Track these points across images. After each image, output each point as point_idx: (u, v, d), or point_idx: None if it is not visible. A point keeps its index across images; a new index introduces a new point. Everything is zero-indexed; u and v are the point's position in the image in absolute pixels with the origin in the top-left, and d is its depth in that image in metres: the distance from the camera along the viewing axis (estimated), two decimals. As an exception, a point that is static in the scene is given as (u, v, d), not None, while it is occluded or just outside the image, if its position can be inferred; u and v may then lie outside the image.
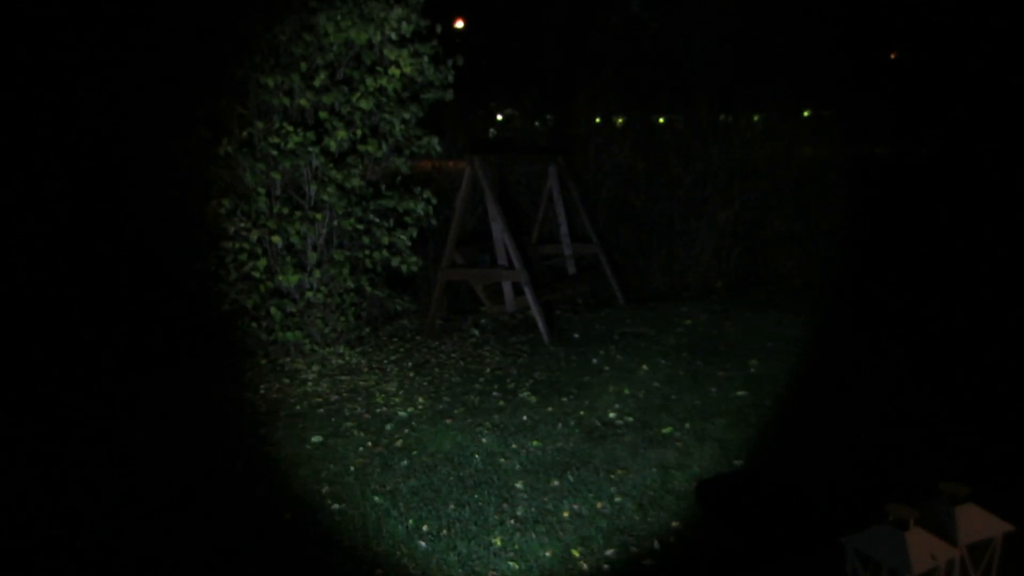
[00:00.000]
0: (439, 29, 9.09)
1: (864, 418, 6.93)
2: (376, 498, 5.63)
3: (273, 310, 8.74)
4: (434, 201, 9.75)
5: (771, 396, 7.52)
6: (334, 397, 7.89)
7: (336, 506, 5.54)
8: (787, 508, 5.35)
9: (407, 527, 5.22)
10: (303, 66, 8.41)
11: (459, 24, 21.07)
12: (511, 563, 4.75)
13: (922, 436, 6.42)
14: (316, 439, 6.78)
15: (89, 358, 7.86)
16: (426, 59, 9.02)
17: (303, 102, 8.55)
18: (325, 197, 8.74)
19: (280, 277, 8.75)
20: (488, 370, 8.66)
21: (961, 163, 15.33)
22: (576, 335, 10.00)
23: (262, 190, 8.63)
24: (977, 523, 3.44)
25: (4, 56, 7.51)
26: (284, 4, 8.02)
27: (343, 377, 8.52)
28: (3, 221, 7.74)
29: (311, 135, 8.51)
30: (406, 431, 6.95)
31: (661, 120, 16.47)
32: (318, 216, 8.83)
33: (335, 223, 9.10)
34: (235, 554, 4.90)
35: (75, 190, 8.03)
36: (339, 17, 8.20)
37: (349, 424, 7.14)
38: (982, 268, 11.75)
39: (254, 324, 8.88)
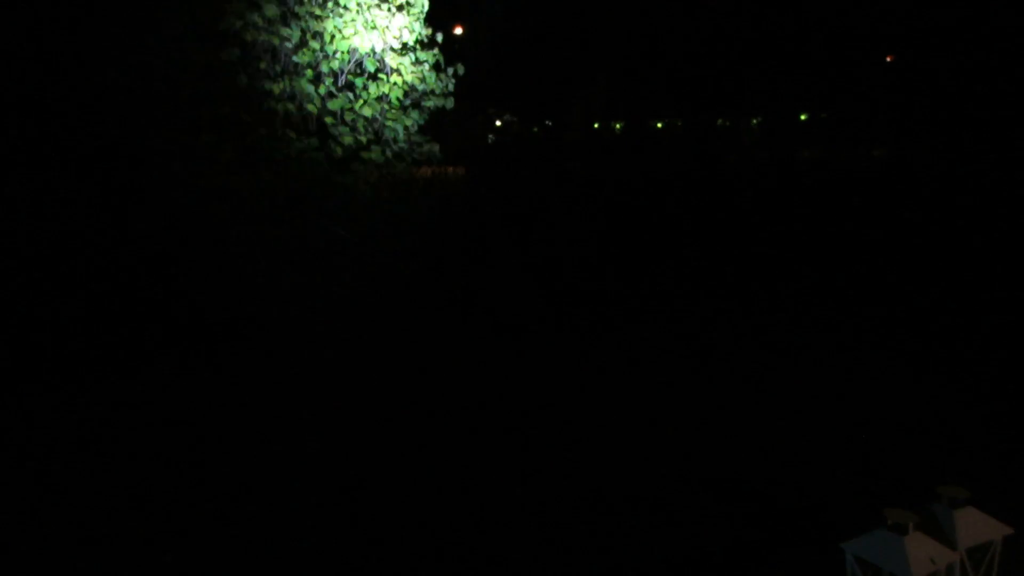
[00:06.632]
0: (440, 38, 9.16)
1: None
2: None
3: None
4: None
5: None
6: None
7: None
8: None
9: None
10: (309, 73, 8.48)
11: (458, 31, 21.12)
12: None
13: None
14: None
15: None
16: (427, 67, 9.10)
17: (311, 108, 8.60)
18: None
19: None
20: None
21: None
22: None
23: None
24: (977, 526, 3.45)
25: None
26: (291, 11, 8.11)
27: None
28: None
29: (314, 141, 8.58)
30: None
31: (659, 124, 16.59)
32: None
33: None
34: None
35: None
36: (343, 24, 8.28)
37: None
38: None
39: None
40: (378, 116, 9.00)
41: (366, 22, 8.44)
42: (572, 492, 5.83)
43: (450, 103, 9.53)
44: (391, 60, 8.88)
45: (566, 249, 12.37)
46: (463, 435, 6.90)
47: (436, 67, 9.23)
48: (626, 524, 5.33)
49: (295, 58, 8.49)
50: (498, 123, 17.25)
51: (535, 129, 15.98)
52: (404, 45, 8.94)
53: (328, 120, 8.79)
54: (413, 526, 5.32)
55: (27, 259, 7.90)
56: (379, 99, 8.94)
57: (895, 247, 13.78)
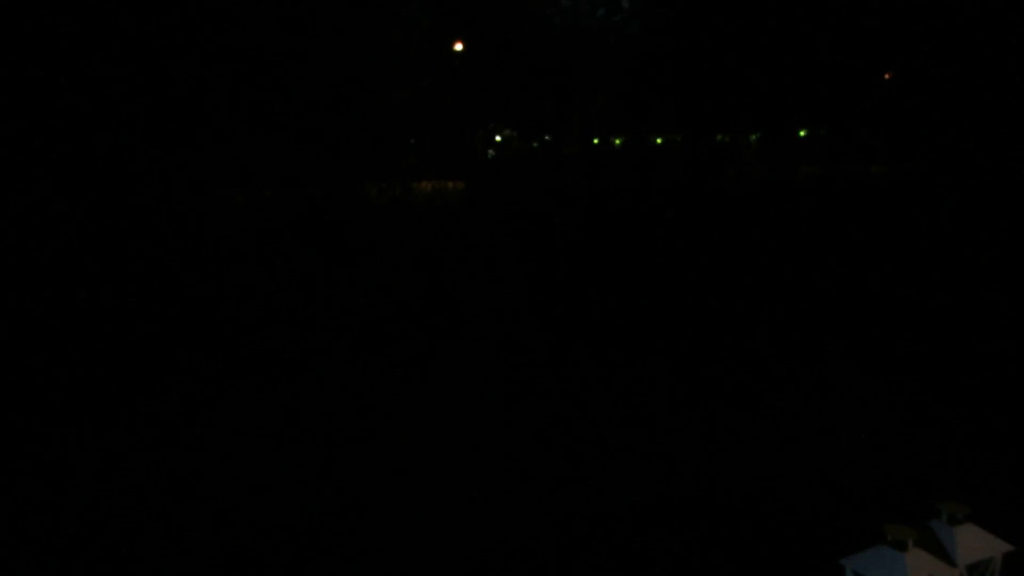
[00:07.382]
0: (440, 53, 9.21)
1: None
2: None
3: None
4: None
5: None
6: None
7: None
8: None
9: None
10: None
11: (458, 47, 21.23)
12: None
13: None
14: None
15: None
16: (428, 83, 9.15)
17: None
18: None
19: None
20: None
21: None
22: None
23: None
24: (977, 543, 3.44)
25: None
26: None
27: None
28: None
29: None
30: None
31: (659, 140, 16.62)
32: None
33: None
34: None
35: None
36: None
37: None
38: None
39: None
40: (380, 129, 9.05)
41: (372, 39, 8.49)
42: (570, 500, 5.82)
43: (450, 118, 9.59)
44: (391, 75, 8.93)
45: (564, 260, 12.37)
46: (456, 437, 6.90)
47: (436, 82, 9.28)
48: (627, 535, 5.30)
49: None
50: (498, 138, 17.26)
51: (535, 144, 16.03)
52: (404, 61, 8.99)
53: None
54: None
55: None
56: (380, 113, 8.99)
57: (894, 259, 13.80)
